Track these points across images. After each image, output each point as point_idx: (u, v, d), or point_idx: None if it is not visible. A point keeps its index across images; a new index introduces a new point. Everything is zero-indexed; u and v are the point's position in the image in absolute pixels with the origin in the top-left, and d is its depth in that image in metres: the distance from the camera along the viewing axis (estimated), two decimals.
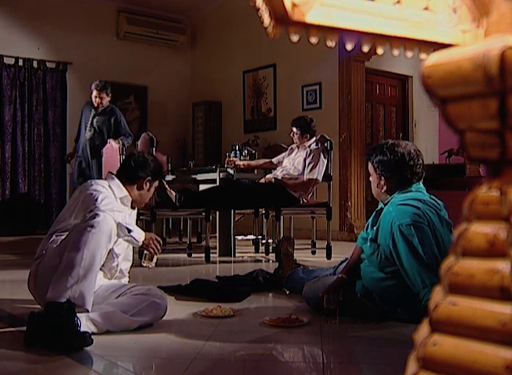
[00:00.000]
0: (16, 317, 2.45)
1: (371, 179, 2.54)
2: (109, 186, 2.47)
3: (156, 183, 2.66)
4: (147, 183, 2.59)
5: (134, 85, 7.69)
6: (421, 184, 2.47)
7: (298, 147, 4.66)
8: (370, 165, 2.51)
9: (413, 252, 2.21)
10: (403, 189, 2.41)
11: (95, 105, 5.50)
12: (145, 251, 2.43)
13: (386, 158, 2.41)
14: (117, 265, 2.48)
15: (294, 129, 4.63)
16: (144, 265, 2.51)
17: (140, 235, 2.33)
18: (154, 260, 2.47)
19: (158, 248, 2.40)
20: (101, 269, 2.41)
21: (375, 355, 2.02)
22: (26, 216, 6.71)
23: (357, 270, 2.52)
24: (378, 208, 2.52)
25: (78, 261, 2.05)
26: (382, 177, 2.45)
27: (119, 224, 2.22)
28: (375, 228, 2.44)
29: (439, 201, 2.40)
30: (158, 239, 2.42)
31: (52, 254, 2.27)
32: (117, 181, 2.54)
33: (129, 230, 2.27)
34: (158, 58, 7.89)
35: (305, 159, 4.50)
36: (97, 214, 2.14)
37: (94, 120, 5.53)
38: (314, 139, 4.63)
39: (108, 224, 2.14)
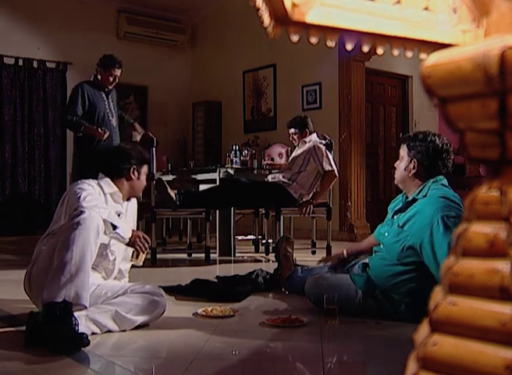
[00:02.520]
0: (15, 317, 2.45)
1: (397, 164, 2.54)
2: (98, 183, 2.47)
3: (145, 170, 2.61)
4: (135, 172, 2.54)
5: (134, 85, 7.68)
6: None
7: (297, 145, 4.68)
8: (404, 147, 2.51)
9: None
10: (430, 177, 2.43)
11: (108, 85, 4.52)
12: (133, 249, 2.41)
13: (424, 145, 2.44)
14: (113, 263, 2.48)
15: (292, 130, 4.66)
16: (132, 263, 2.50)
17: (126, 232, 2.31)
18: (141, 258, 2.43)
19: (146, 246, 2.37)
20: (96, 268, 2.41)
21: (375, 355, 2.02)
22: (26, 216, 6.71)
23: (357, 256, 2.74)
24: (410, 198, 2.49)
25: (68, 259, 2.05)
26: (414, 160, 2.45)
27: (104, 221, 2.21)
28: (403, 215, 2.42)
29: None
30: (146, 237, 2.38)
31: (44, 255, 2.27)
32: (106, 178, 2.52)
33: (115, 227, 2.25)
34: (158, 58, 7.89)
35: (307, 157, 4.51)
36: (82, 211, 2.13)
37: (111, 104, 4.59)
38: (315, 135, 4.64)
39: (95, 220, 2.14)
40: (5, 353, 1.92)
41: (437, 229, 2.22)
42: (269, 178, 4.73)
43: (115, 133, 4.54)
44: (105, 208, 2.28)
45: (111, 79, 4.47)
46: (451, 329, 0.72)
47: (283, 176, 4.56)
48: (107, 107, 4.51)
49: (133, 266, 2.62)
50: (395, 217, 2.48)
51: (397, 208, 2.54)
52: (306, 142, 4.60)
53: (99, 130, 4.26)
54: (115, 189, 2.50)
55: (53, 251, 2.14)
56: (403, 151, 2.51)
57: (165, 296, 2.36)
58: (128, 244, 2.35)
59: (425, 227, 2.26)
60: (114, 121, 4.54)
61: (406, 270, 2.35)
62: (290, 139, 4.75)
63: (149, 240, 2.40)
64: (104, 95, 4.50)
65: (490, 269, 0.69)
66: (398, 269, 2.37)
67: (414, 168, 2.45)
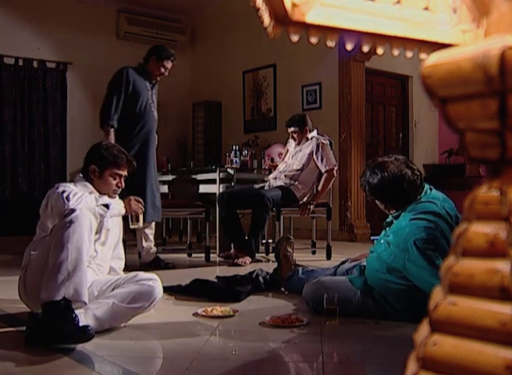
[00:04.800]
0: (15, 317, 2.45)
1: (377, 203, 2.58)
2: (74, 185, 2.47)
3: (112, 172, 2.54)
4: (95, 173, 2.52)
5: None
6: (433, 191, 2.48)
7: (299, 143, 4.68)
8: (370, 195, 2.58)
9: (432, 264, 2.19)
10: (412, 203, 2.42)
11: (156, 76, 4.25)
12: (129, 214, 2.58)
13: (377, 187, 2.45)
14: (104, 260, 2.49)
15: (292, 128, 4.65)
16: (132, 227, 2.64)
17: (119, 205, 2.46)
18: (141, 219, 2.61)
19: (140, 206, 2.59)
20: (88, 265, 2.41)
21: (375, 355, 2.02)
22: (26, 216, 6.69)
23: None
24: (389, 220, 2.53)
25: (64, 257, 2.06)
26: (387, 204, 2.51)
27: (96, 208, 2.30)
28: (390, 230, 2.44)
29: (451, 212, 2.38)
30: (136, 198, 2.57)
31: (37, 259, 2.27)
32: (83, 181, 2.53)
33: (107, 207, 2.36)
34: None
35: (311, 154, 4.54)
36: (73, 210, 2.15)
37: (154, 96, 4.28)
38: (315, 132, 4.66)
39: (86, 217, 2.17)
40: (5, 353, 1.92)
41: (412, 253, 2.26)
42: (270, 179, 4.73)
43: (155, 124, 4.26)
44: (90, 197, 2.34)
45: (162, 70, 4.22)
46: (451, 329, 0.72)
47: (285, 176, 4.58)
48: (150, 97, 4.21)
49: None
50: (387, 229, 2.50)
51: (388, 220, 2.57)
52: (308, 139, 4.62)
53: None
54: (91, 188, 2.51)
55: (47, 253, 2.14)
56: (370, 196, 2.57)
57: (158, 281, 2.36)
58: (126, 213, 2.53)
59: (402, 252, 2.30)
60: (155, 113, 4.27)
61: (397, 278, 2.36)
62: (290, 138, 4.75)
63: (140, 200, 2.61)
64: (148, 85, 4.22)
65: (490, 269, 0.69)
66: (389, 277, 2.38)
67: (391, 208, 2.51)
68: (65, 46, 7.08)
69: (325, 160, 4.51)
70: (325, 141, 4.58)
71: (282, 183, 4.56)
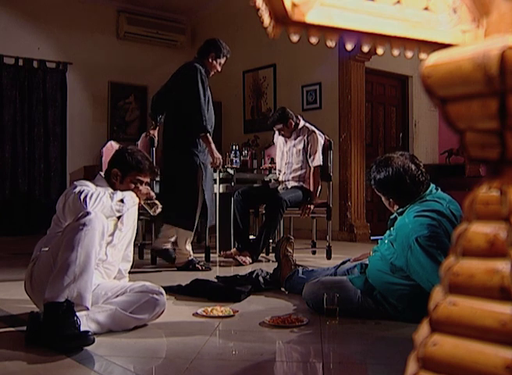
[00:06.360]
0: (16, 317, 2.45)
1: (382, 199, 2.61)
2: (95, 184, 2.47)
3: (134, 178, 2.55)
4: (117, 177, 2.54)
5: (134, 85, 7.68)
6: (440, 192, 2.48)
7: (288, 137, 4.68)
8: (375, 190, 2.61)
9: (435, 261, 2.19)
10: (415, 200, 2.43)
11: (211, 74, 4.06)
12: (143, 204, 2.59)
13: (384, 182, 2.48)
14: (112, 265, 2.48)
15: (278, 126, 4.64)
16: (153, 213, 2.64)
17: (131, 197, 2.45)
18: (157, 202, 2.61)
19: (148, 191, 2.57)
20: (96, 268, 2.41)
21: (375, 355, 2.02)
22: (26, 216, 6.70)
23: None
24: (393, 216, 2.54)
25: (73, 260, 2.05)
26: (390, 199, 2.53)
27: (112, 206, 2.32)
28: (393, 230, 2.45)
29: (456, 213, 2.38)
30: (145, 187, 2.57)
31: (46, 255, 2.27)
32: (104, 182, 2.53)
33: (123, 201, 2.38)
34: (158, 58, 7.89)
35: (305, 148, 4.56)
36: (88, 212, 2.15)
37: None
38: (302, 122, 4.66)
39: (100, 221, 2.16)
40: (6, 353, 1.92)
41: (415, 251, 2.26)
42: (283, 180, 4.73)
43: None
44: (105, 196, 2.32)
45: (218, 68, 4.04)
46: (451, 329, 0.72)
47: (293, 177, 4.59)
48: (210, 97, 3.93)
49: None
50: (391, 229, 2.50)
51: (389, 225, 2.58)
52: (298, 131, 4.62)
53: (218, 157, 3.82)
54: (110, 189, 2.49)
55: (56, 252, 2.14)
56: (377, 192, 2.61)
57: (164, 294, 2.36)
58: (140, 202, 2.53)
59: (405, 249, 2.30)
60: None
61: (400, 278, 2.36)
62: (279, 135, 4.74)
63: (147, 187, 2.60)
64: (208, 83, 3.95)
65: (490, 269, 0.69)
66: (392, 278, 2.38)
67: (394, 204, 2.53)
68: (65, 46, 7.08)
69: (312, 157, 4.53)
70: (317, 131, 4.58)
71: (296, 184, 4.58)
